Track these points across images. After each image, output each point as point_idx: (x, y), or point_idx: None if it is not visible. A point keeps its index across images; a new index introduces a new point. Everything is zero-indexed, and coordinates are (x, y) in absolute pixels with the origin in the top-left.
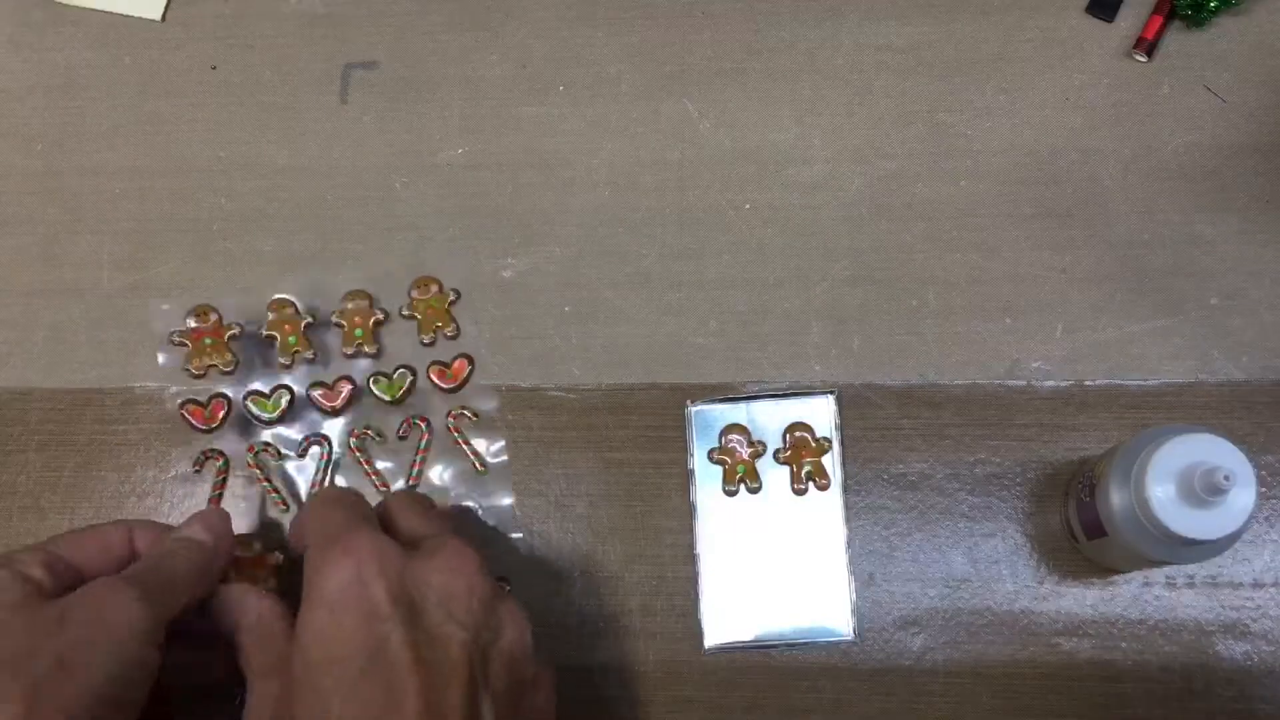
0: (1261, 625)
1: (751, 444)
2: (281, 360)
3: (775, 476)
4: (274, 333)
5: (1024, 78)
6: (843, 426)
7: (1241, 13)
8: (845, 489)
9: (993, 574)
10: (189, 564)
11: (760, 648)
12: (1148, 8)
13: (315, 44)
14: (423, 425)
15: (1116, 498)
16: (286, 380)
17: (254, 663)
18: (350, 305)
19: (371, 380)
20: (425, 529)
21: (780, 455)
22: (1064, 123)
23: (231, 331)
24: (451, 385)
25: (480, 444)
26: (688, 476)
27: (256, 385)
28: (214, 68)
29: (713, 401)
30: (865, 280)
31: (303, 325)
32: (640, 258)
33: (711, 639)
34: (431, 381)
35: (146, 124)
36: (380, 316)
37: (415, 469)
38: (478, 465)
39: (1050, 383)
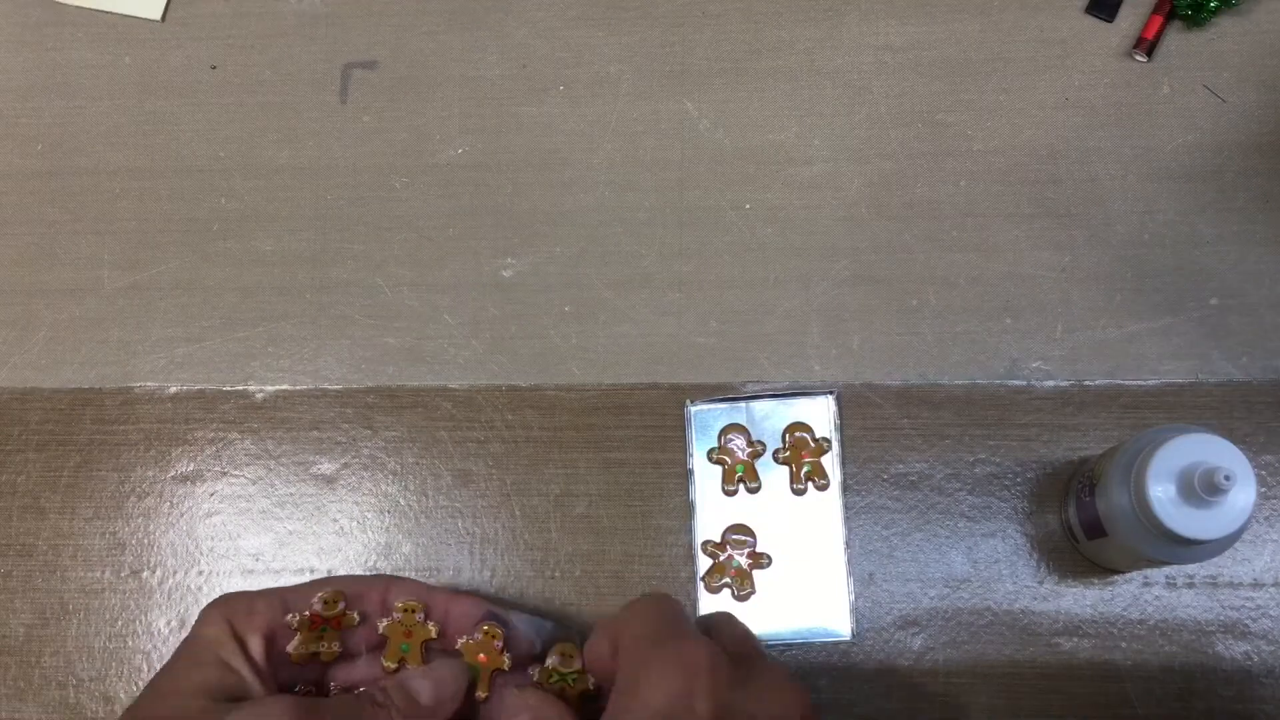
0: (1261, 625)
1: (751, 444)
2: (386, 663)
3: (774, 476)
4: (389, 634)
5: (1024, 78)
6: (842, 426)
7: (1241, 13)
8: (845, 489)
9: (993, 574)
10: None
11: None
12: (1148, 8)
13: (315, 44)
14: None
15: (1116, 498)
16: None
17: None
18: (480, 636)
19: None
20: (748, 649)
21: (780, 455)
22: (1064, 123)
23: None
24: None
25: None
26: (687, 476)
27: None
28: (214, 68)
29: (712, 401)
30: (865, 280)
31: (422, 641)
32: (640, 258)
33: None
34: None
35: (146, 124)
36: (500, 644)
37: None
38: None
39: (1050, 383)
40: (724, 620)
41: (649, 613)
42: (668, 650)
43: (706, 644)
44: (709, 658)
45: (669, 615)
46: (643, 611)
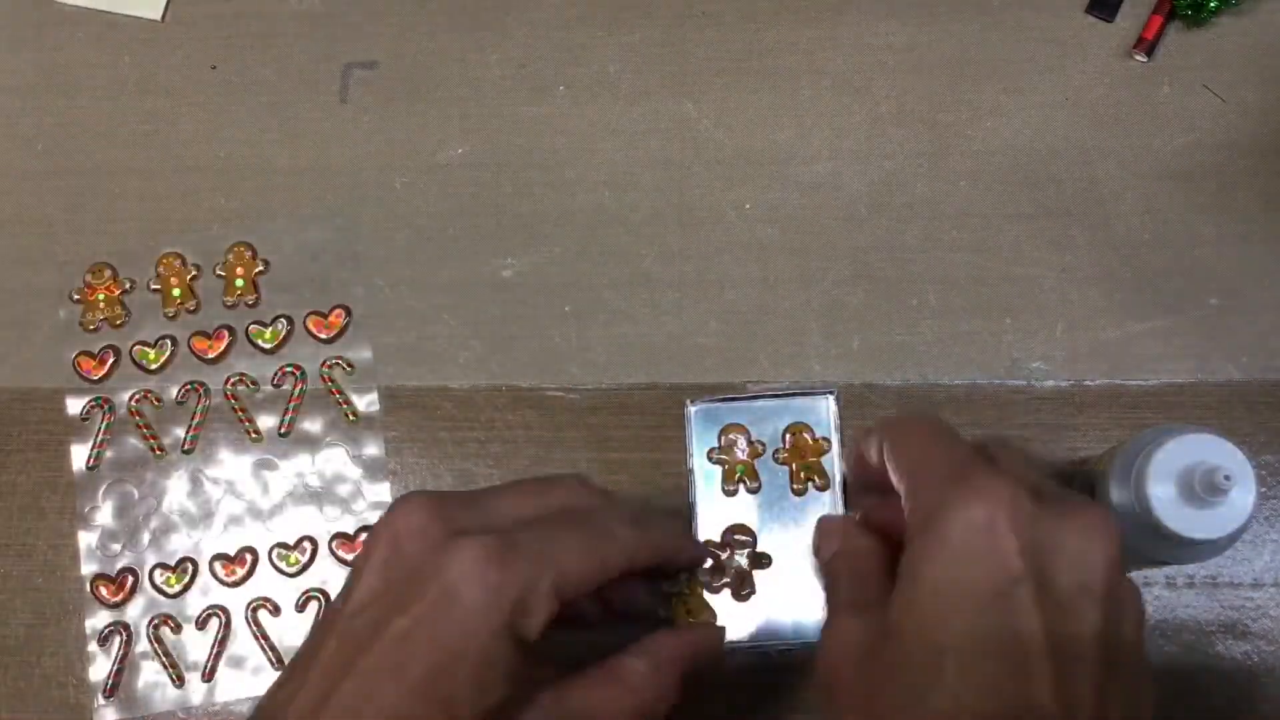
0: (1261, 625)
1: (751, 444)
2: (166, 312)
3: (775, 476)
4: (160, 286)
5: (1024, 78)
6: (842, 426)
7: (1241, 13)
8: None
9: None
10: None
11: (760, 648)
12: (1148, 8)
13: (315, 44)
14: (296, 374)
15: (1116, 498)
16: (172, 331)
17: (840, 596)
18: (231, 256)
19: (249, 329)
20: (1041, 481)
21: (780, 455)
22: (1064, 123)
23: (124, 288)
24: (328, 335)
25: (353, 394)
26: (687, 476)
27: (142, 336)
28: (214, 68)
29: (712, 401)
30: (865, 280)
31: (188, 278)
32: (640, 258)
33: None
34: (308, 331)
35: (146, 124)
36: (261, 268)
37: (288, 416)
38: (350, 415)
39: (1050, 383)
40: (1007, 455)
41: (936, 442)
42: (967, 482)
43: (1003, 476)
44: (1008, 488)
45: (962, 447)
46: (926, 440)
